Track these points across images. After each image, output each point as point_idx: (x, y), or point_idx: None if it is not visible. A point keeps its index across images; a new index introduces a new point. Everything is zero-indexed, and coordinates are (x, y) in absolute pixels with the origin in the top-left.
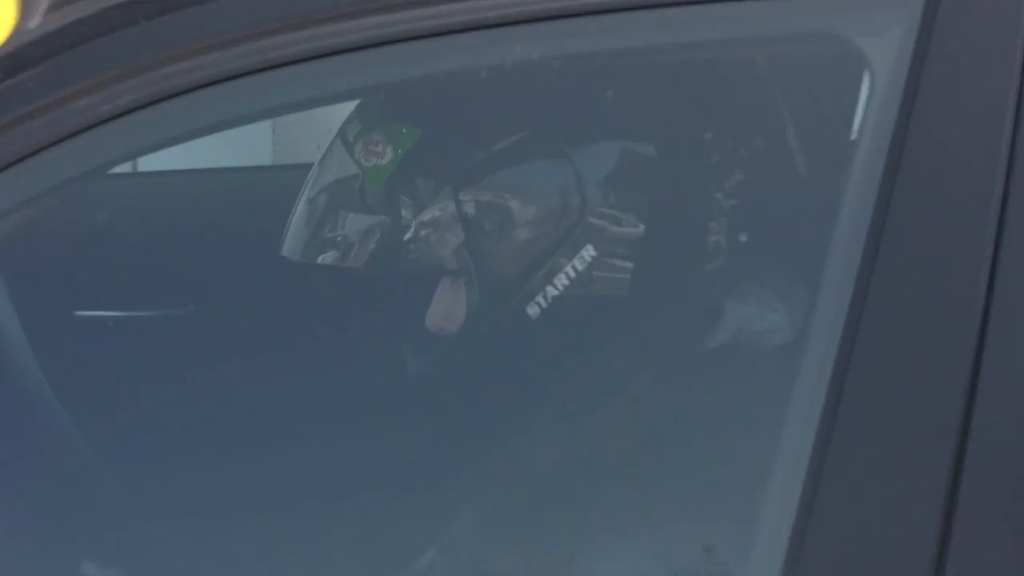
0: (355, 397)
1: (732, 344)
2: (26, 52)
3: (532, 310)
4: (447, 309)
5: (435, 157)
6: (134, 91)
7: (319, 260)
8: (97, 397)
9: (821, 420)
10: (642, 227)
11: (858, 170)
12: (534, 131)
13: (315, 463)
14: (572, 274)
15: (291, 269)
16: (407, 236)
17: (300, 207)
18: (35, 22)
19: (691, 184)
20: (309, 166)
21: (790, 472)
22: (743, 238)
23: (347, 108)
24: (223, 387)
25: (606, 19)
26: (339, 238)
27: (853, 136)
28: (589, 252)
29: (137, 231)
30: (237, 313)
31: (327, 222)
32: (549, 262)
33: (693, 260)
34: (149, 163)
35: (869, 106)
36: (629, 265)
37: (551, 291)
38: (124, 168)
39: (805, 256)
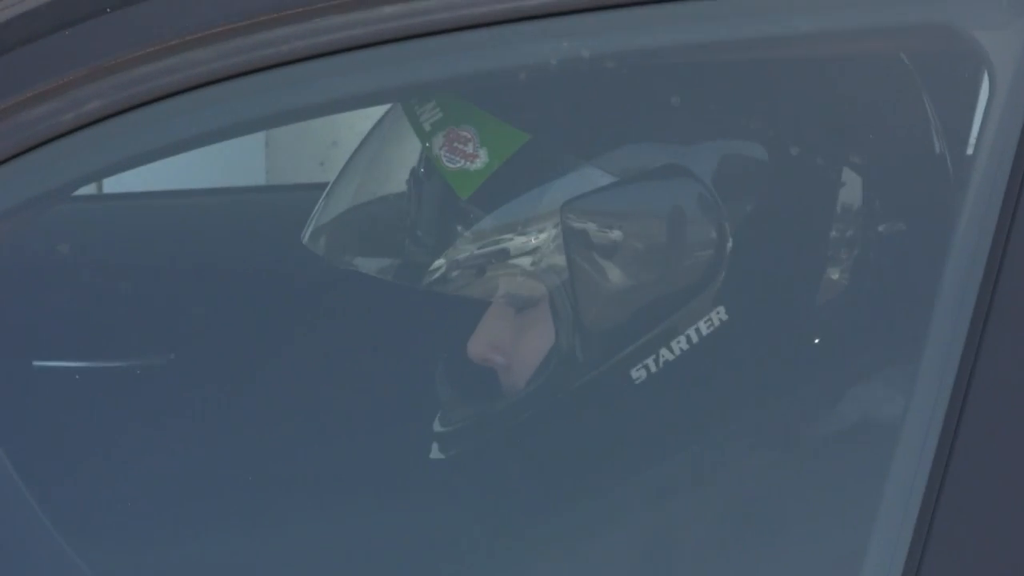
0: (377, 467)
1: (852, 432)
2: None
3: (637, 374)
4: (499, 338)
5: (542, 170)
6: (102, 96)
7: (351, 263)
8: (60, 464)
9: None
10: (783, 290)
11: (974, 192)
12: (673, 158)
13: (326, 548)
14: (695, 339)
15: (294, 307)
16: (490, 261)
17: (339, 190)
18: None
19: (825, 233)
20: (309, 187)
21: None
22: (874, 298)
23: (353, 118)
24: (213, 454)
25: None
26: (388, 245)
27: (970, 151)
28: (720, 316)
29: (106, 265)
30: (228, 363)
31: (374, 220)
32: (671, 319)
33: (827, 329)
34: (119, 184)
35: (989, 113)
36: (760, 335)
37: (665, 355)
38: (89, 190)
39: (913, 307)
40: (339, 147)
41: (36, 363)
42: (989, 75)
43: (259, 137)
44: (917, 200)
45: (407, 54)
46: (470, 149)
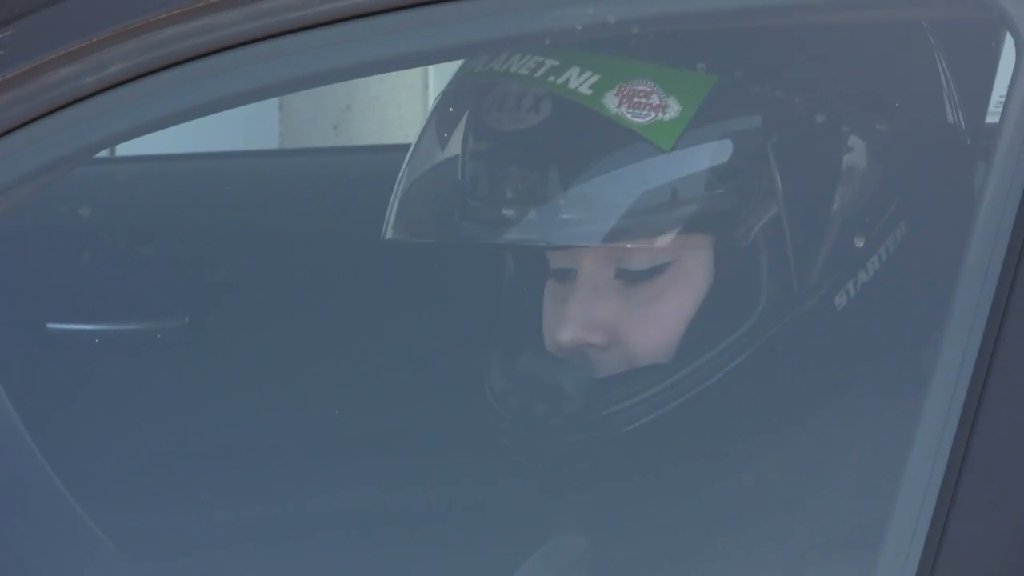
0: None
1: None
2: None
3: (840, 300)
4: (599, 316)
5: (737, 110)
6: (125, 59)
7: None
8: (75, 430)
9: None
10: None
11: (999, 162)
12: (845, 90)
13: (366, 511)
14: (884, 256)
15: (309, 270)
16: (697, 203)
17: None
18: None
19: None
20: (325, 151)
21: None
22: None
23: (367, 82)
24: (234, 421)
25: None
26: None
27: (993, 119)
28: (902, 230)
29: (125, 228)
30: (245, 326)
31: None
32: (867, 239)
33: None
34: (132, 147)
35: (1016, 81)
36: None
37: (862, 276)
38: (105, 153)
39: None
40: (352, 111)
41: (54, 326)
42: (1015, 42)
43: (273, 100)
44: (939, 170)
45: (427, 19)
46: (655, 100)
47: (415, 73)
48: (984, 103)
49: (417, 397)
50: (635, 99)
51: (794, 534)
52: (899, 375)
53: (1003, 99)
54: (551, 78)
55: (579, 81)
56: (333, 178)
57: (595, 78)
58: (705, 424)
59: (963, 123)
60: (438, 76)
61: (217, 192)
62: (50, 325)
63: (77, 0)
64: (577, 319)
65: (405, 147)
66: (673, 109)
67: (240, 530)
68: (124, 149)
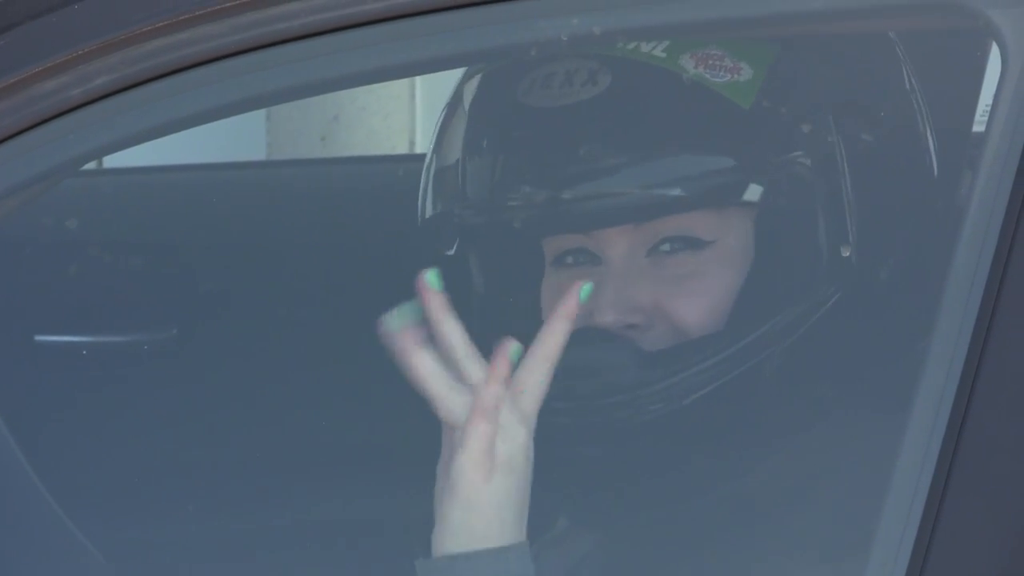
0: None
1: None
2: None
3: (884, 274)
4: (635, 297)
5: (802, 81)
6: (111, 71)
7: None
8: (63, 441)
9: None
10: None
11: (986, 171)
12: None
13: (363, 518)
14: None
15: (298, 279)
16: (765, 169)
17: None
18: None
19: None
20: (312, 162)
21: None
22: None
23: (355, 92)
24: (222, 432)
25: None
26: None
27: (980, 128)
28: (902, 236)
29: (112, 240)
30: (233, 337)
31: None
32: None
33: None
34: (119, 158)
35: (1001, 91)
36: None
37: (895, 248)
38: (92, 164)
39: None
40: (340, 121)
41: (41, 338)
42: (1002, 53)
43: (260, 111)
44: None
45: (414, 31)
46: (729, 63)
47: (402, 84)
48: (971, 112)
49: (412, 403)
50: (710, 61)
51: (782, 541)
52: (886, 385)
53: (989, 108)
54: (620, 44)
55: (650, 46)
56: (320, 189)
57: (666, 43)
58: (708, 428)
59: (931, 134)
60: (425, 87)
61: (204, 203)
62: (37, 337)
63: (62, 13)
64: (615, 304)
65: (393, 158)
66: (746, 72)
67: (229, 542)
68: (111, 161)
